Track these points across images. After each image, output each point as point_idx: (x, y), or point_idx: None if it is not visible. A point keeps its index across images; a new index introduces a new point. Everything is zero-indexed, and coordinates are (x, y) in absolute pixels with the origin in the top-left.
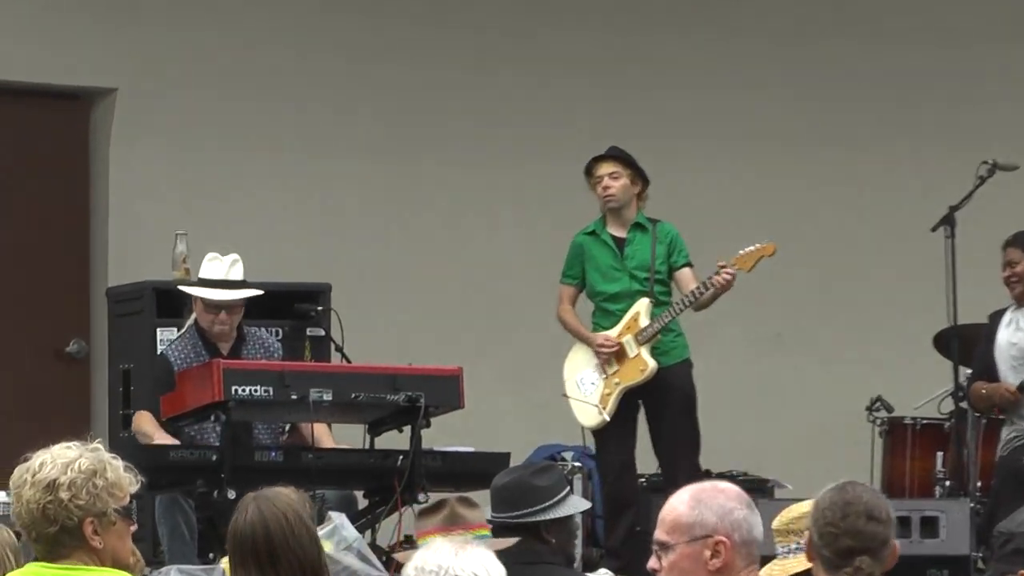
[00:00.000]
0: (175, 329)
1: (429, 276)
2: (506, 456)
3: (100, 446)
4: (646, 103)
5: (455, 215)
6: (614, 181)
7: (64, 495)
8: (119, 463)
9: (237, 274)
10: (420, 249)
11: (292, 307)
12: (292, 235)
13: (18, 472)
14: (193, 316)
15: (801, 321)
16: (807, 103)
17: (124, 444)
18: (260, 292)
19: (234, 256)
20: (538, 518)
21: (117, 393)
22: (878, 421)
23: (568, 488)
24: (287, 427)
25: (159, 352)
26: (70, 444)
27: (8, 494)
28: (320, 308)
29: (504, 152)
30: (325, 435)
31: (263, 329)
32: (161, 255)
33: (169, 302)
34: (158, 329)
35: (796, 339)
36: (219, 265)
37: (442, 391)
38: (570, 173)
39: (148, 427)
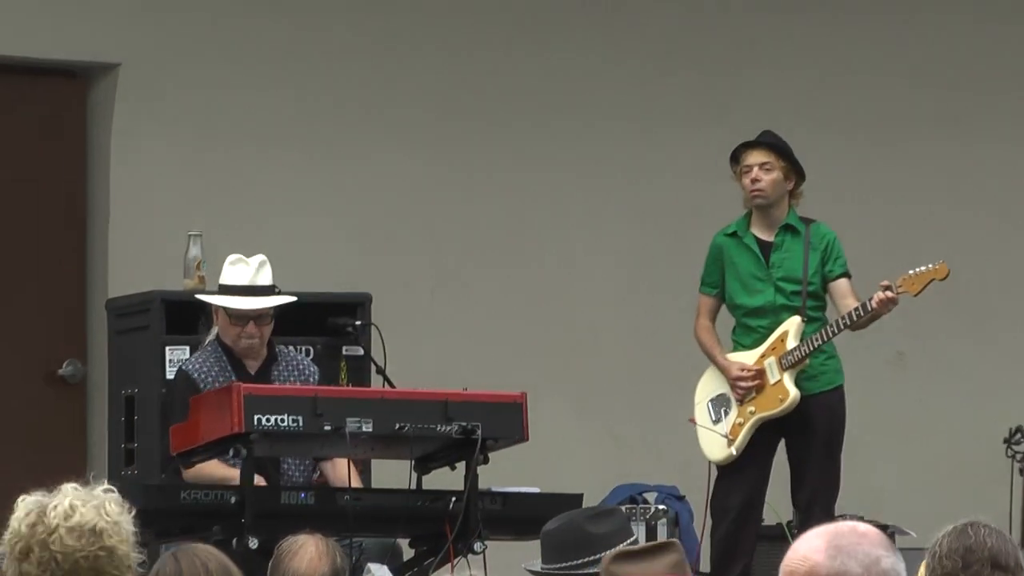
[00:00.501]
0: (187, 348)
1: (486, 286)
2: (578, 498)
3: (113, 488)
4: (746, 87)
5: (517, 215)
6: (765, 174)
7: (115, 542)
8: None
9: (266, 278)
10: (476, 255)
11: (325, 322)
12: (326, 237)
13: (31, 515)
14: (214, 331)
15: (926, 338)
16: (925, 90)
17: (127, 483)
18: (293, 299)
19: (261, 257)
20: (589, 570)
21: (119, 424)
22: (1018, 456)
23: (634, 537)
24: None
25: (179, 368)
26: (77, 486)
27: None
28: (358, 323)
29: (576, 139)
30: (350, 478)
31: (297, 349)
32: (171, 260)
33: (181, 315)
34: (167, 348)
35: (920, 359)
36: (244, 269)
37: (502, 421)
38: (653, 161)
39: (217, 469)
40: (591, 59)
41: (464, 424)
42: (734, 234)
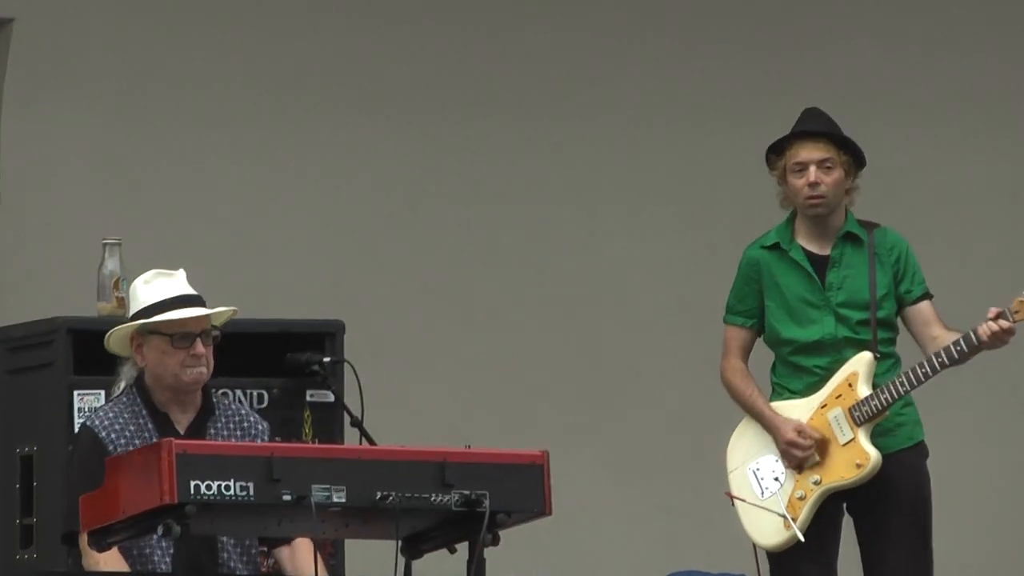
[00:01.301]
0: (102, 393)
1: (495, 311)
2: None
3: None
4: (818, 61)
5: (534, 220)
6: (826, 174)
7: None
8: None
9: (189, 289)
10: (481, 269)
11: (283, 358)
12: (284, 246)
13: None
14: (124, 375)
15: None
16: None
17: (22, 572)
18: (233, 310)
19: (182, 272)
20: None
21: (12, 492)
22: None
23: None
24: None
25: (82, 424)
26: None
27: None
28: (327, 359)
29: (608, 129)
30: (317, 567)
31: (237, 396)
32: (79, 277)
33: (93, 349)
34: (76, 392)
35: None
36: (167, 282)
37: (518, 488)
38: (708, 155)
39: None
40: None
41: (467, 493)
42: (775, 246)
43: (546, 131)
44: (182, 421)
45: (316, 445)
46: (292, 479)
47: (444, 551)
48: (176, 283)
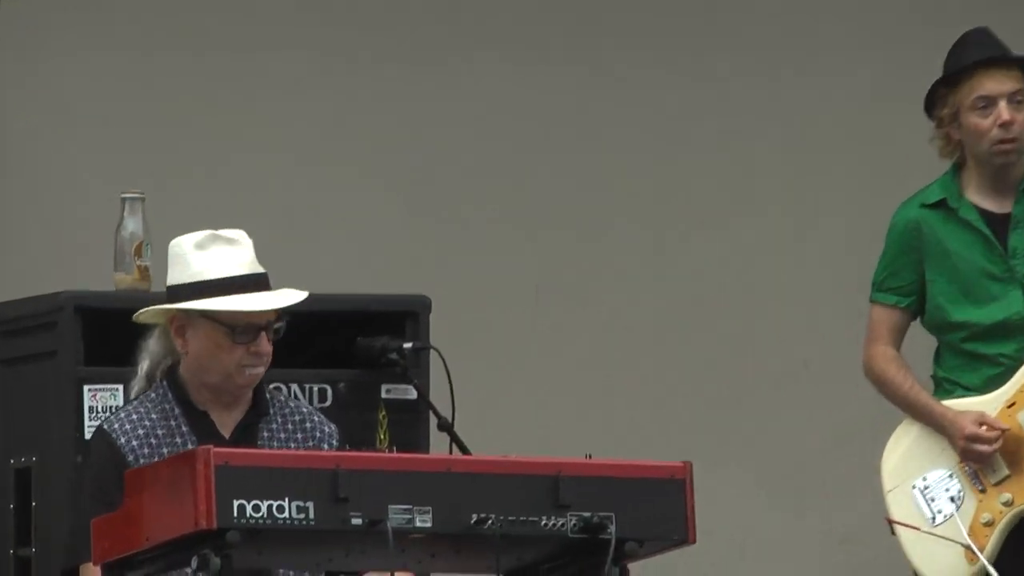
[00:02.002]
0: (120, 389)
1: (613, 298)
2: None
3: None
4: None
5: (669, 178)
6: (1016, 110)
7: None
8: None
9: (256, 265)
10: (605, 238)
11: (352, 345)
12: (347, 204)
13: None
14: (154, 354)
15: None
16: None
17: None
18: (304, 295)
19: (241, 233)
20: None
21: (6, 514)
22: None
23: None
24: None
25: (97, 428)
26: None
27: None
28: (408, 346)
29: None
30: None
31: (294, 392)
32: (92, 242)
33: (109, 334)
34: (87, 388)
35: None
36: (228, 251)
37: (652, 510)
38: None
39: None
40: None
41: (588, 515)
42: (940, 204)
43: (669, 100)
44: (227, 422)
45: (394, 455)
46: (364, 498)
47: None
48: (240, 254)
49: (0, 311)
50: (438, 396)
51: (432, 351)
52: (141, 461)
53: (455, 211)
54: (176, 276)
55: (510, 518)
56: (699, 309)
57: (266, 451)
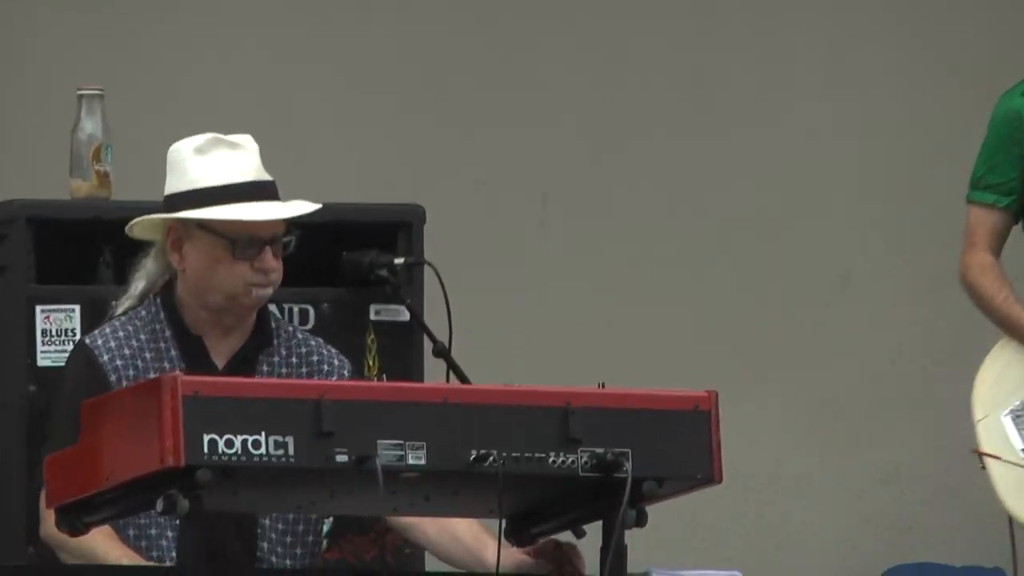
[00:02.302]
0: (77, 309)
1: (630, 204)
2: None
3: None
4: None
5: (683, 86)
6: None
7: None
8: None
9: (263, 172)
10: (612, 153)
11: (337, 260)
12: (334, 101)
13: None
14: (152, 275)
15: None
16: None
17: None
18: (318, 207)
19: (245, 137)
20: None
21: None
22: None
23: None
24: (323, 530)
25: (79, 343)
26: None
27: None
28: (400, 261)
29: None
30: (471, 531)
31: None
32: (45, 144)
33: (61, 248)
34: (39, 310)
35: None
36: (233, 156)
37: (673, 445)
38: None
39: (100, 542)
40: None
41: (601, 452)
42: None
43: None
44: (222, 350)
45: (384, 383)
46: (350, 433)
47: (567, 536)
48: (245, 160)
49: None
50: (433, 318)
51: (427, 267)
52: (123, 384)
53: (452, 111)
54: (173, 184)
55: (514, 455)
56: (725, 219)
57: (241, 379)
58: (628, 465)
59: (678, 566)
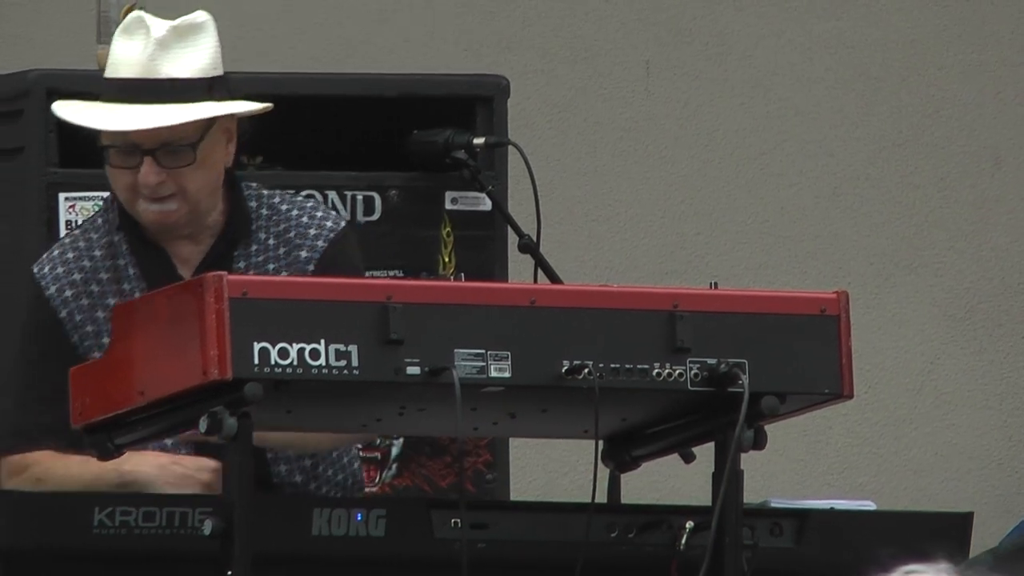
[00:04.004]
0: (104, 198)
1: (746, 69)
2: (963, 520)
3: None
4: None
5: None
6: None
7: None
8: None
9: (188, 63)
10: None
11: (407, 139)
12: None
13: None
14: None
15: None
16: None
17: None
18: (256, 107)
19: (192, 19)
20: None
21: None
22: None
23: None
24: (391, 453)
25: (32, 275)
26: None
27: None
28: (481, 142)
29: None
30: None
31: (336, 204)
32: (68, 7)
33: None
34: (63, 198)
35: None
36: (137, 45)
37: (796, 355)
38: None
39: (60, 465)
40: None
41: (714, 362)
42: None
43: None
44: (188, 257)
45: (462, 283)
46: (422, 340)
47: (673, 459)
48: (149, 50)
49: None
50: (519, 207)
51: (511, 148)
52: (76, 317)
53: None
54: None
55: (612, 366)
56: (858, 83)
57: (296, 278)
58: (744, 378)
59: (801, 495)
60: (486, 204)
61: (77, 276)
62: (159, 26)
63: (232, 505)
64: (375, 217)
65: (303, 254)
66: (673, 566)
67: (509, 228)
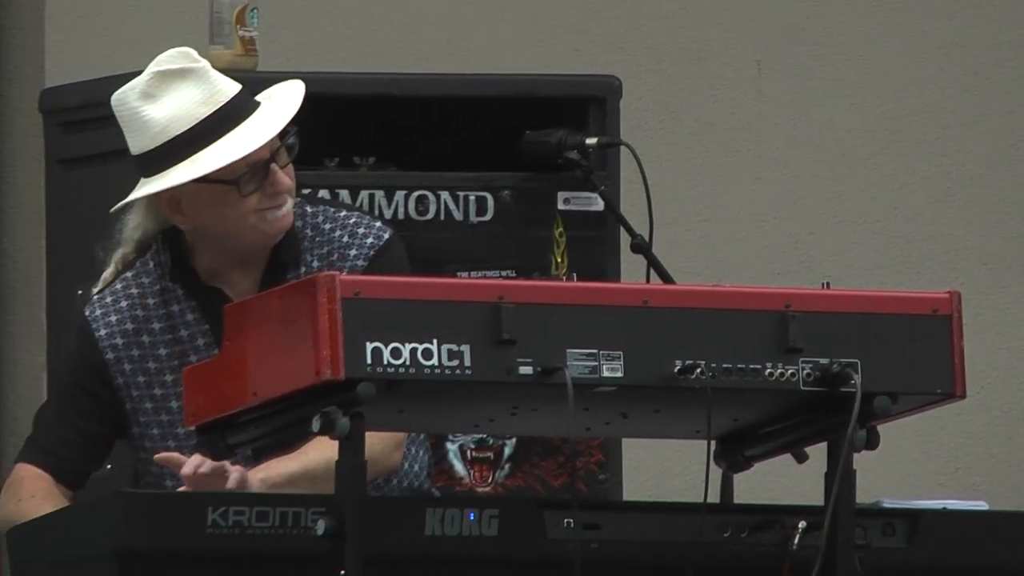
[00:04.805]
0: None
1: (860, 69)
2: None
3: None
4: None
5: None
6: None
7: None
8: None
9: (223, 86)
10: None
11: (518, 140)
12: None
13: None
14: (141, 240)
15: None
16: None
17: (95, 491)
18: (299, 90)
19: (182, 54)
20: None
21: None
22: None
23: None
24: (504, 453)
25: (82, 317)
26: None
27: None
28: (594, 142)
29: None
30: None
31: (448, 204)
32: (180, 6)
33: None
34: None
35: None
36: (185, 87)
37: (911, 354)
38: None
39: (32, 508)
40: None
41: (826, 363)
42: None
43: None
44: (243, 290)
45: (574, 283)
46: (535, 341)
47: (786, 458)
48: (201, 86)
49: (58, 97)
50: (631, 207)
51: (623, 148)
52: (127, 367)
53: None
54: (137, 141)
55: (724, 366)
56: (971, 83)
57: (408, 278)
58: (857, 378)
59: (914, 495)
60: (598, 204)
61: (130, 326)
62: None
63: (345, 505)
64: (487, 218)
65: (348, 267)
66: (785, 566)
67: (621, 228)
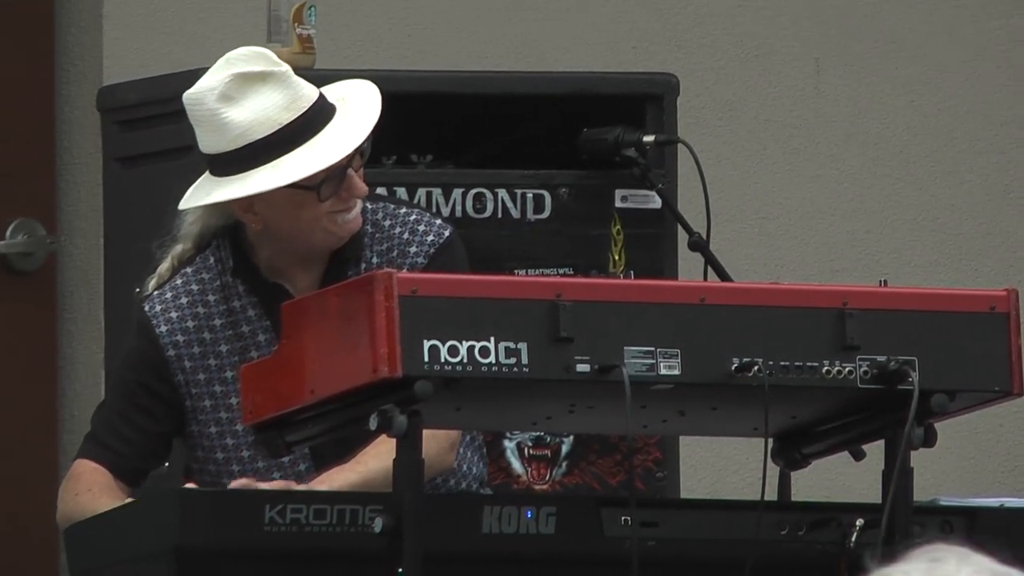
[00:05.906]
0: None
1: (916, 65)
2: None
3: None
4: None
5: None
6: None
7: None
8: None
9: (303, 92)
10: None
11: (577, 138)
12: None
13: None
14: (194, 232)
15: None
16: None
17: (151, 486)
18: (374, 94)
19: (261, 54)
20: None
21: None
22: None
23: None
24: (561, 451)
25: (140, 312)
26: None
27: None
28: (651, 139)
29: None
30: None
31: (506, 201)
32: (237, 5)
33: None
34: None
35: None
36: (266, 90)
37: (968, 352)
38: None
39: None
40: None
41: (884, 360)
42: None
43: None
44: (305, 287)
45: (632, 281)
46: (592, 338)
47: (843, 456)
48: (283, 90)
49: (116, 95)
50: (688, 205)
51: (681, 145)
52: (187, 364)
53: None
54: (213, 143)
55: (782, 364)
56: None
57: (464, 276)
58: (914, 375)
59: (971, 494)
60: (656, 202)
61: (191, 323)
62: (259, 66)
63: (402, 502)
64: (545, 215)
65: (410, 264)
66: (843, 564)
67: (679, 226)
